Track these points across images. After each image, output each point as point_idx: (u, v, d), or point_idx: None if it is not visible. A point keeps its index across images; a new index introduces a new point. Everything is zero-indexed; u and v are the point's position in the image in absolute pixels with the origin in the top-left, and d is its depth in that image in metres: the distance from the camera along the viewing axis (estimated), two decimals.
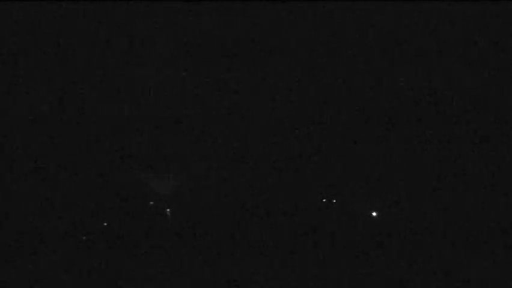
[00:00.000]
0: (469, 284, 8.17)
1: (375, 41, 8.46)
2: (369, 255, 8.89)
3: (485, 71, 8.44)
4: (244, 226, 9.32)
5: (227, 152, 9.67)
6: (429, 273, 8.43)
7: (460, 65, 8.43)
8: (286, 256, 8.73)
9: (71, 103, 9.03)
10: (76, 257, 8.38)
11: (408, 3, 8.33)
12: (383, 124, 9.31)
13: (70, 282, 8.23)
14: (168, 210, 9.15)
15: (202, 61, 9.14)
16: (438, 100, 8.95)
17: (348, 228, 9.32)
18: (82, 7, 8.19)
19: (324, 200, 9.51)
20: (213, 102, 9.67)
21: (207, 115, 9.74)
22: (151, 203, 9.11)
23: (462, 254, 8.37)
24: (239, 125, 9.90)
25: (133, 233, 8.72)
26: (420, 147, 9.50)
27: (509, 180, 8.73)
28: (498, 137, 8.69)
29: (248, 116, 9.61)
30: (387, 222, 9.36)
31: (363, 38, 8.44)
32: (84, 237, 8.53)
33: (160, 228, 8.93)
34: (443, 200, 9.10)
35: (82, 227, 8.62)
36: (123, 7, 8.46)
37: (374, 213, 9.43)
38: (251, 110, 9.64)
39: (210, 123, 9.75)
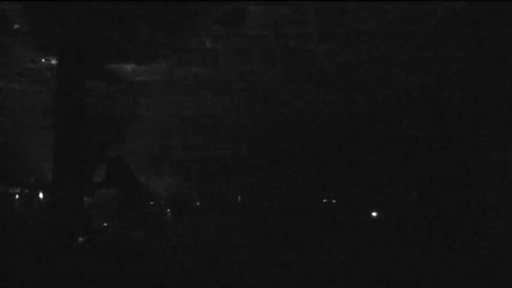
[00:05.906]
0: (469, 283, 8.16)
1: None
2: (369, 255, 8.90)
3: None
4: (243, 226, 9.31)
5: (228, 152, 9.69)
6: (429, 273, 8.42)
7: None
8: (287, 255, 8.73)
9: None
10: (76, 257, 8.34)
11: None
12: (382, 124, 9.36)
13: (69, 283, 8.17)
14: (168, 210, 9.14)
15: None
16: (436, 99, 9.00)
17: (348, 228, 9.32)
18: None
19: (324, 201, 9.53)
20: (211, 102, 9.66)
21: (205, 115, 9.76)
22: (151, 203, 9.09)
23: (463, 252, 8.40)
24: (238, 126, 9.91)
25: (133, 232, 8.71)
26: (419, 148, 9.54)
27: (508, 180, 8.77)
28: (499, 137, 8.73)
29: (249, 117, 9.62)
30: (387, 222, 9.37)
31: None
32: (83, 238, 8.49)
33: (160, 228, 8.92)
34: (443, 199, 9.13)
35: (81, 227, 8.58)
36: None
37: (374, 213, 9.45)
38: (250, 113, 9.67)
39: (209, 123, 9.75)
